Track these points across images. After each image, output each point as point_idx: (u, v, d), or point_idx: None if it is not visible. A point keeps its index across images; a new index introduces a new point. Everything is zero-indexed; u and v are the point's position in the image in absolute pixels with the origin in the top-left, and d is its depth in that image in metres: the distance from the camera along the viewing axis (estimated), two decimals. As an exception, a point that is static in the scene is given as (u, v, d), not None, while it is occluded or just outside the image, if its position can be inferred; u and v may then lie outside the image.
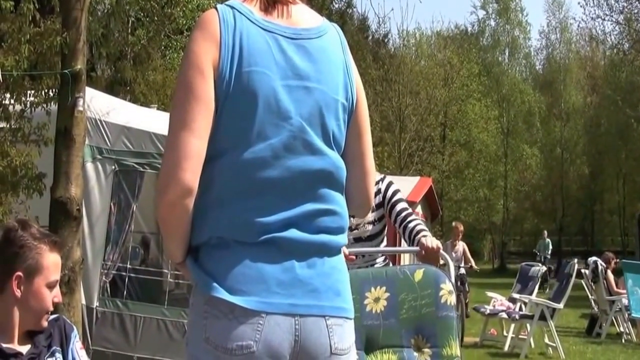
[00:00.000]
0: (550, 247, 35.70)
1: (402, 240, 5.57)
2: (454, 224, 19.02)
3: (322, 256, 2.58)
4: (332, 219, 2.62)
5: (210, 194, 2.51)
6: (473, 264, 17.28)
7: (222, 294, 2.43)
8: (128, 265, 9.65)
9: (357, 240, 5.08)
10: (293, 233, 2.51)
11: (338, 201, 2.65)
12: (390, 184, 5.28)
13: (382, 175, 5.36)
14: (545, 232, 38.05)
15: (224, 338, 2.43)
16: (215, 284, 2.45)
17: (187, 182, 2.41)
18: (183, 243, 2.57)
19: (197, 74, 2.46)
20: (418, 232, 4.99)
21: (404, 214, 5.15)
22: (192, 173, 2.42)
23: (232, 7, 2.56)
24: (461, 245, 17.19)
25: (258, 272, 2.46)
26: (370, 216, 5.07)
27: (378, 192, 5.19)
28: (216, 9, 2.56)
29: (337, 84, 2.66)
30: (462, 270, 16.64)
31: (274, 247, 2.49)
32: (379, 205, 5.17)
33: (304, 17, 2.68)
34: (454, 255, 16.30)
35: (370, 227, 5.10)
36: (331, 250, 2.62)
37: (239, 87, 2.48)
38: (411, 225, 5.07)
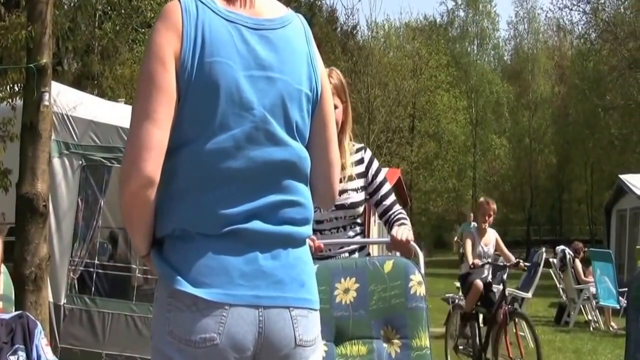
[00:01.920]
0: None
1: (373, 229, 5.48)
2: (482, 199, 11.82)
3: (286, 247, 2.58)
4: (297, 210, 2.62)
5: (173, 185, 2.51)
6: (513, 258, 10.66)
7: (185, 287, 2.43)
8: (96, 261, 9.63)
9: (340, 208, 4.93)
10: (256, 224, 2.51)
11: (302, 192, 2.66)
12: (373, 157, 5.19)
13: (362, 144, 5.22)
14: (472, 215, 26.68)
15: (187, 331, 2.43)
16: (178, 277, 2.45)
17: (148, 172, 2.41)
18: (147, 235, 2.57)
19: (158, 65, 2.46)
20: (395, 221, 4.98)
21: (388, 203, 5.11)
22: (153, 164, 2.42)
23: None
24: (493, 235, 11.05)
25: (221, 264, 2.47)
26: (353, 184, 4.95)
27: (361, 160, 5.08)
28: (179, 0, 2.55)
29: (301, 75, 2.66)
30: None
31: (237, 239, 2.49)
32: (361, 175, 5.06)
33: (268, 8, 2.68)
34: (484, 249, 10.71)
35: (353, 194, 4.96)
36: (296, 242, 2.63)
37: (201, 77, 2.48)
38: (393, 218, 5.06)
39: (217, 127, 2.49)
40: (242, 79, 2.52)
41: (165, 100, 2.44)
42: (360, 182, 5.03)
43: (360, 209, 5.06)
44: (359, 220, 5.11)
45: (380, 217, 5.16)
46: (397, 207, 5.15)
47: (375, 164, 5.15)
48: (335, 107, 4.75)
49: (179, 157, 2.50)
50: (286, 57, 2.63)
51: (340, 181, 4.69)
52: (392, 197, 5.16)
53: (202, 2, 2.55)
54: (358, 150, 5.10)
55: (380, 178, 5.12)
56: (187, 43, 2.48)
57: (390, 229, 5.03)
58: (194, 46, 2.48)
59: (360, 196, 5.03)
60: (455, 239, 27.57)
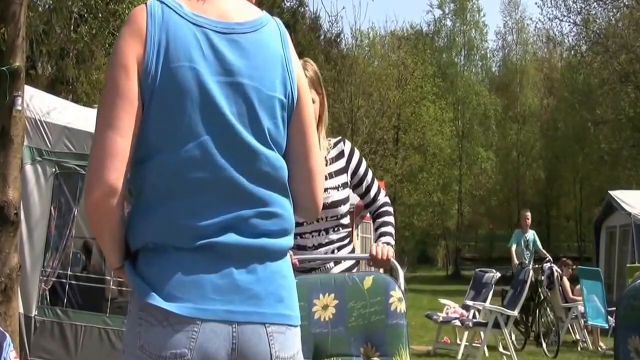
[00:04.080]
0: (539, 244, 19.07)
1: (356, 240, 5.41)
2: None
3: (263, 261, 2.57)
4: (273, 222, 2.61)
5: (144, 197, 2.53)
6: None
7: (156, 301, 2.44)
8: (69, 272, 9.59)
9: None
10: (230, 237, 2.51)
11: (279, 202, 2.64)
12: (354, 149, 5.08)
13: (340, 137, 5.14)
14: (528, 213, 19.52)
15: (158, 346, 2.44)
16: (150, 290, 2.45)
17: (111, 181, 2.43)
18: (116, 246, 2.58)
19: (121, 72, 2.48)
20: (379, 235, 4.97)
21: (372, 194, 5.08)
22: (116, 172, 2.44)
23: (161, 2, 2.57)
24: None
25: (194, 277, 2.47)
26: (333, 181, 4.87)
27: (341, 154, 4.99)
28: (146, 4, 2.56)
29: (273, 80, 2.64)
30: None
31: (210, 252, 2.49)
32: (342, 171, 4.98)
33: (239, 11, 2.68)
34: None
35: (334, 192, 4.87)
36: (273, 254, 2.61)
37: (165, 83, 2.49)
38: (378, 221, 5.05)
39: (184, 135, 2.50)
40: (209, 85, 2.52)
41: (128, 107, 2.45)
42: (341, 179, 4.96)
43: (344, 208, 4.97)
44: (343, 221, 5.02)
45: (366, 207, 5.14)
46: (382, 198, 5.10)
47: (357, 154, 5.07)
48: (313, 100, 4.68)
49: (147, 168, 2.51)
50: (257, 62, 2.62)
51: None
52: (375, 188, 5.10)
53: (168, 6, 2.56)
54: (336, 144, 5.02)
55: (362, 169, 5.05)
56: (151, 48, 2.49)
57: (374, 221, 5.04)
58: (157, 51, 2.50)
59: (343, 194, 4.95)
60: (514, 248, 18.60)
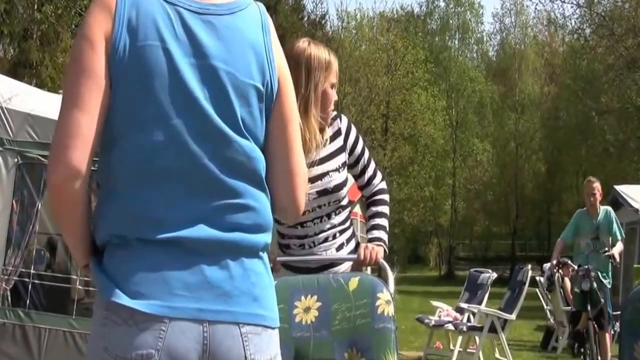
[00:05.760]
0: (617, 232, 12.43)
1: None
2: None
3: (236, 257, 2.56)
4: (246, 215, 2.59)
5: (109, 187, 2.52)
6: None
7: (121, 298, 2.42)
8: (32, 271, 9.54)
9: (322, 194, 4.81)
10: (201, 230, 2.50)
11: (253, 195, 2.61)
12: (350, 125, 5.06)
13: (335, 112, 5.09)
14: (596, 184, 12.52)
15: (123, 347, 2.43)
16: (114, 288, 2.44)
17: (73, 161, 2.41)
18: (81, 240, 2.58)
19: (87, 46, 2.47)
20: (370, 227, 4.99)
21: (366, 177, 5.06)
22: (80, 152, 2.42)
23: None
24: None
25: (161, 273, 2.46)
26: (333, 163, 4.86)
27: (338, 132, 4.96)
28: None
29: (249, 67, 2.61)
30: None
31: (179, 246, 2.48)
32: (340, 150, 4.95)
33: None
34: None
35: (335, 175, 4.85)
36: (247, 251, 2.60)
37: (134, 62, 2.48)
38: (371, 210, 5.07)
39: (152, 118, 2.48)
40: (180, 66, 2.50)
41: (94, 85, 2.44)
42: (340, 159, 4.94)
43: (345, 190, 4.95)
44: (343, 203, 5.00)
45: (360, 189, 5.15)
46: (377, 183, 5.13)
47: (354, 131, 5.05)
48: (333, 85, 4.89)
49: (113, 155, 2.50)
50: (232, 46, 2.59)
51: (316, 164, 4.73)
52: (371, 171, 5.12)
53: None
54: (332, 122, 5.00)
55: (359, 147, 5.05)
56: (119, 24, 2.48)
57: (367, 208, 5.06)
58: (127, 28, 2.48)
59: (343, 175, 4.93)
60: (563, 239, 12.92)
